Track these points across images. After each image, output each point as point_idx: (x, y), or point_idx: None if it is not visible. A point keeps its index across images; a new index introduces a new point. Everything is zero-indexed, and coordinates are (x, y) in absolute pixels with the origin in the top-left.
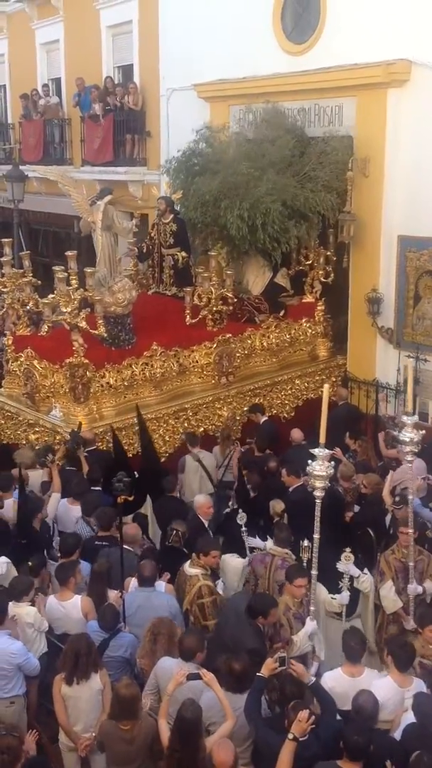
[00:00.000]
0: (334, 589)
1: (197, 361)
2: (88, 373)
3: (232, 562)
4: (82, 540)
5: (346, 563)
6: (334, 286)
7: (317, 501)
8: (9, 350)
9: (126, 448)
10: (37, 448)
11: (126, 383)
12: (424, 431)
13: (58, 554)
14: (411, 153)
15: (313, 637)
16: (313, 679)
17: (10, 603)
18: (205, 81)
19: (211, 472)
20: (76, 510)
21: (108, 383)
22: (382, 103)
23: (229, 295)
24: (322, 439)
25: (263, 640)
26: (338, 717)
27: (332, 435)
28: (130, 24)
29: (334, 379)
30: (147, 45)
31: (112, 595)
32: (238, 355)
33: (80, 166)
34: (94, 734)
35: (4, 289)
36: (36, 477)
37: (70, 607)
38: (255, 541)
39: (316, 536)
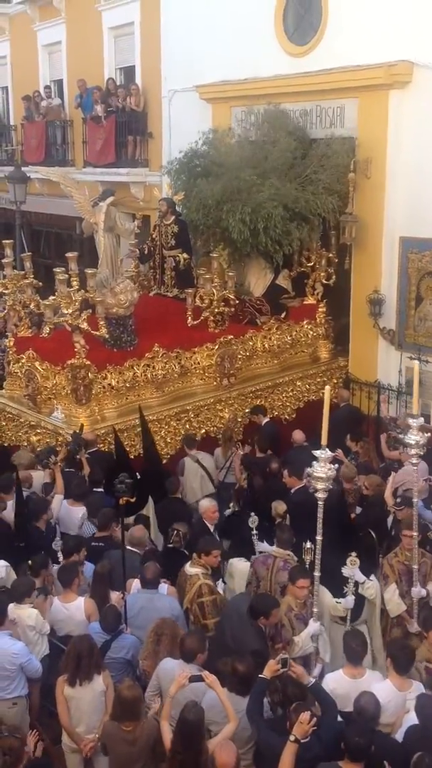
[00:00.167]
0: (336, 591)
1: (199, 363)
2: (89, 374)
3: (239, 565)
4: (84, 541)
5: (351, 568)
6: (335, 288)
7: (319, 503)
8: (10, 352)
9: (128, 449)
10: (38, 449)
11: (128, 385)
12: (429, 434)
13: (60, 556)
14: (413, 154)
15: (317, 639)
16: (313, 680)
17: (12, 605)
18: (206, 82)
19: (211, 473)
20: (76, 511)
21: (110, 385)
22: (384, 105)
23: (231, 296)
24: (325, 440)
25: (265, 640)
26: (339, 718)
27: (334, 436)
28: (131, 25)
29: (335, 381)
30: (149, 46)
31: (114, 596)
32: (239, 356)
33: (82, 168)
34: (97, 735)
35: (6, 291)
36: (38, 478)
37: (74, 609)
38: (265, 546)
39: (319, 538)
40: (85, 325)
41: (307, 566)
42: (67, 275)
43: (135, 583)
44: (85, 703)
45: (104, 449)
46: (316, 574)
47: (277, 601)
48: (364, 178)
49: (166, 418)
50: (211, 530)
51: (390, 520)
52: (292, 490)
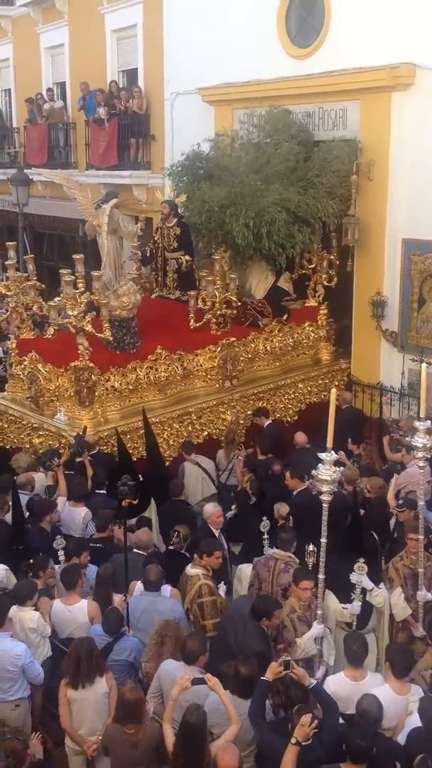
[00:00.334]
0: (338, 594)
1: (201, 365)
2: (93, 376)
3: (247, 570)
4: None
5: (359, 574)
6: (337, 290)
7: (324, 505)
8: (13, 354)
9: (130, 451)
10: (40, 452)
11: (131, 387)
12: None
13: (60, 554)
14: (415, 156)
15: (320, 642)
16: (314, 682)
17: (14, 607)
18: (209, 85)
19: (211, 475)
20: (78, 512)
21: (113, 387)
22: (387, 107)
23: (233, 298)
24: (330, 443)
25: (268, 642)
26: (341, 720)
27: (336, 438)
28: (134, 28)
29: (337, 383)
30: (151, 49)
31: (117, 599)
32: (241, 358)
33: (85, 170)
34: (100, 737)
35: (9, 293)
36: (39, 480)
37: (76, 611)
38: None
39: (324, 540)
40: (89, 327)
41: (310, 569)
42: (73, 277)
43: (138, 586)
44: (89, 705)
45: (107, 451)
46: (320, 576)
47: (279, 603)
48: (367, 180)
49: (168, 421)
50: (216, 535)
51: (392, 522)
52: (294, 493)
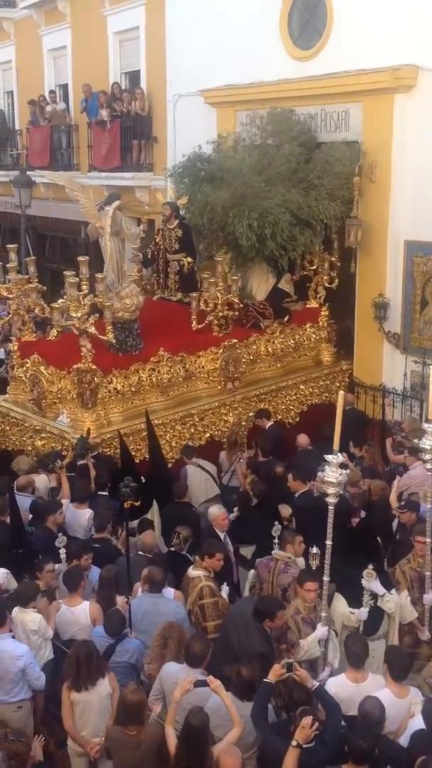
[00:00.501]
0: (350, 598)
1: (203, 367)
2: (95, 378)
3: None
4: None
5: (369, 580)
6: (338, 292)
7: (330, 507)
8: (15, 356)
9: (133, 453)
10: (42, 454)
11: (133, 389)
12: None
13: (62, 552)
14: (417, 158)
15: (327, 644)
16: (317, 684)
17: (17, 608)
18: (211, 87)
19: (213, 476)
20: (82, 514)
21: (115, 389)
22: (389, 109)
23: (235, 300)
24: (336, 445)
25: (270, 643)
26: (342, 722)
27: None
28: (137, 30)
29: (338, 384)
30: (154, 51)
31: (119, 600)
32: (243, 360)
33: (87, 172)
34: (103, 739)
35: (10, 295)
36: (40, 482)
37: (79, 613)
38: (301, 560)
39: (329, 542)
40: (92, 329)
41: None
42: (77, 279)
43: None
44: (92, 706)
45: (109, 453)
46: (325, 578)
47: (282, 604)
48: (369, 181)
49: (171, 422)
50: (221, 537)
51: (395, 524)
52: (296, 494)
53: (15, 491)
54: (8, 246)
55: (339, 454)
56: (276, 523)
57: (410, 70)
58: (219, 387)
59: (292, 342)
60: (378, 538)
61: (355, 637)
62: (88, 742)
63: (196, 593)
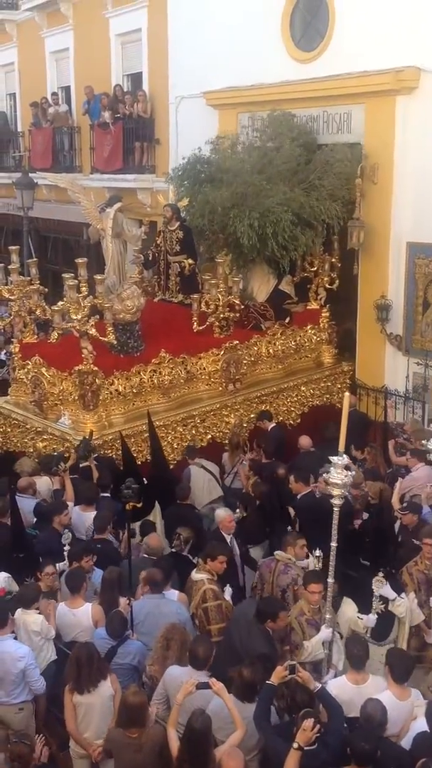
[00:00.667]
0: (359, 604)
1: (205, 368)
2: (97, 380)
3: None
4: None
5: (380, 585)
6: (339, 293)
7: (335, 509)
8: (16, 358)
9: (134, 455)
10: (43, 455)
11: (134, 390)
12: None
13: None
14: (420, 160)
15: (329, 646)
16: (319, 685)
17: (19, 610)
18: (213, 89)
19: (216, 477)
20: (88, 516)
21: (117, 390)
22: (391, 111)
23: (236, 302)
24: (342, 446)
25: (273, 644)
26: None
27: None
28: (139, 32)
29: (339, 386)
30: (156, 53)
31: (121, 602)
32: (244, 362)
33: (89, 174)
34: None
35: (12, 297)
36: (42, 485)
37: (81, 615)
38: (303, 562)
39: (334, 544)
40: (93, 331)
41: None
42: (76, 281)
43: (147, 589)
44: (94, 708)
45: (111, 455)
46: (330, 580)
47: (284, 605)
48: (371, 183)
49: (172, 424)
50: (228, 540)
51: (397, 526)
52: (298, 496)
53: (16, 493)
54: (10, 248)
55: (344, 456)
56: (288, 528)
57: (412, 71)
58: (220, 388)
59: (293, 343)
60: (387, 542)
61: (356, 639)
62: (90, 744)
63: (199, 597)
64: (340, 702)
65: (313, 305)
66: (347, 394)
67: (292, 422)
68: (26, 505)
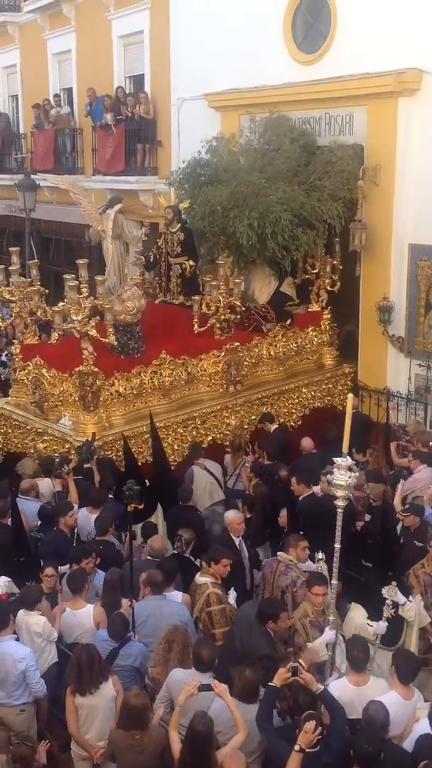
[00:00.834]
0: (369, 609)
1: (205, 370)
2: (97, 381)
3: None
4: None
5: (393, 593)
6: (340, 295)
7: (338, 510)
8: (17, 359)
9: (135, 456)
10: (44, 456)
11: (135, 392)
12: None
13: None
14: (422, 161)
15: (332, 648)
16: (322, 687)
17: (21, 611)
18: (215, 90)
19: (219, 479)
20: (95, 518)
21: (117, 392)
22: (393, 112)
23: (237, 303)
24: (345, 447)
25: (274, 645)
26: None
27: (341, 443)
28: (141, 34)
29: (340, 388)
30: (158, 55)
31: (123, 603)
32: (245, 363)
33: (91, 176)
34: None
35: (13, 298)
36: (43, 486)
37: (83, 616)
38: (309, 565)
39: (337, 546)
40: (94, 332)
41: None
42: (77, 282)
43: (148, 591)
44: (96, 710)
45: (111, 456)
46: (334, 582)
47: (285, 606)
48: (373, 185)
49: (173, 425)
50: (236, 543)
51: (399, 527)
52: (300, 498)
53: (18, 495)
54: (10, 249)
55: (347, 457)
56: (301, 533)
57: (414, 73)
58: (221, 390)
59: (294, 345)
60: (391, 544)
61: (357, 641)
62: (92, 746)
63: (203, 600)
64: (341, 703)
65: (315, 307)
66: (350, 395)
67: (293, 424)
68: (29, 507)
